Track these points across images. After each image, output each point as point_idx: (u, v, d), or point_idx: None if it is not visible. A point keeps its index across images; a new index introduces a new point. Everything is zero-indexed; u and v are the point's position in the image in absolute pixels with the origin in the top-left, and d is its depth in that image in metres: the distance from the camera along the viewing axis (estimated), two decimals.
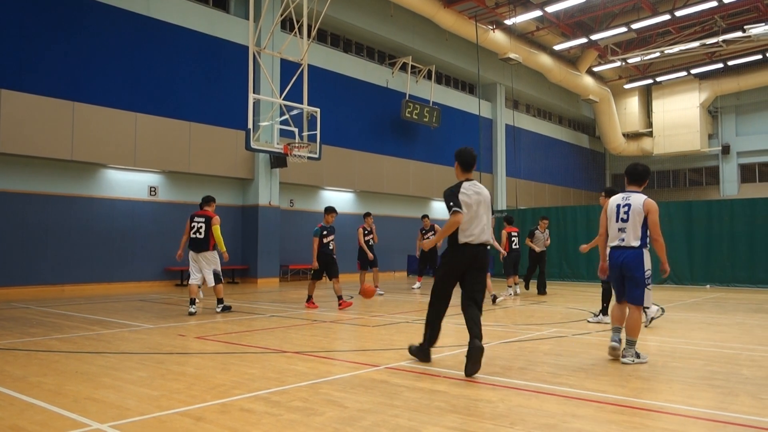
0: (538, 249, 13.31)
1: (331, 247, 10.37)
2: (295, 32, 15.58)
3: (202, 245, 9.56)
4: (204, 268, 9.63)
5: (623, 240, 5.60)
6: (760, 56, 27.18)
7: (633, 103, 33.83)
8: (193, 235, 9.62)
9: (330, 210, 10.63)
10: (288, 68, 16.73)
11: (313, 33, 15.75)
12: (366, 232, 13.21)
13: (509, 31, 23.87)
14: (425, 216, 15.25)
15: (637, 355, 5.55)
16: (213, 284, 9.70)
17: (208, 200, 10.08)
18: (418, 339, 5.86)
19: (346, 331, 7.93)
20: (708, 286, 15.59)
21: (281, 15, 15.60)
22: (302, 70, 15.35)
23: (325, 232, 10.32)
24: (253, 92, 14.59)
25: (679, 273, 16.08)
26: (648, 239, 5.60)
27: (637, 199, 5.59)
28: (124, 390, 4.46)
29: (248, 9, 14.90)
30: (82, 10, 14.25)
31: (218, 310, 9.69)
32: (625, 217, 5.60)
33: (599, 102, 31.24)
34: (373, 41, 22.08)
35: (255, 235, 17.48)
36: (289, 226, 18.82)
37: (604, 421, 3.67)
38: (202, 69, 16.55)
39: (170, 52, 15.88)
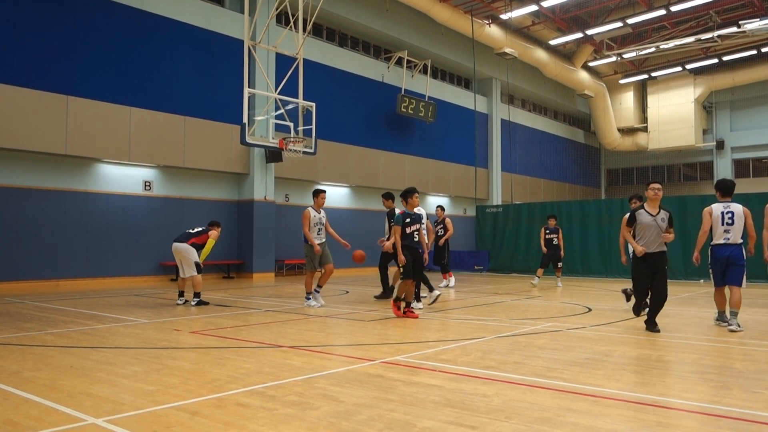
0: (640, 249, 7.11)
1: (416, 239, 8.57)
2: (291, 26, 15.52)
3: (184, 237, 9.97)
4: (183, 260, 9.90)
5: (728, 239, 7.19)
6: (754, 51, 27.23)
7: (628, 98, 33.87)
8: (187, 230, 10.27)
9: (410, 192, 8.65)
10: (283, 62, 16.67)
11: (309, 27, 15.69)
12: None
13: (505, 25, 23.84)
14: (440, 206, 14.60)
15: (738, 325, 7.11)
16: (192, 274, 9.82)
17: (213, 223, 10.43)
18: (414, 334, 5.87)
19: (341, 325, 7.93)
20: (702, 281, 15.65)
21: (276, 9, 15.53)
22: (297, 65, 15.29)
23: (408, 220, 8.50)
24: (248, 86, 14.54)
25: (673, 268, 16.14)
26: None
27: (737, 206, 7.24)
28: (119, 385, 4.46)
29: (243, 3, 14.84)
30: (76, 3, 14.15)
31: (193, 303, 9.82)
32: (730, 221, 7.19)
33: (594, 97, 31.27)
34: (369, 36, 22.02)
35: (250, 230, 17.45)
36: (284, 221, 18.79)
37: (599, 415, 3.69)
38: (196, 63, 16.47)
39: (165, 45, 15.80)
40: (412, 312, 8.38)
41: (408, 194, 8.62)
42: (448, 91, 25.50)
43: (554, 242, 14.25)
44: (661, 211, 7.24)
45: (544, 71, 27.56)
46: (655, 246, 7.11)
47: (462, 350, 5.90)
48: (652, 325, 7.16)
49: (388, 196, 10.84)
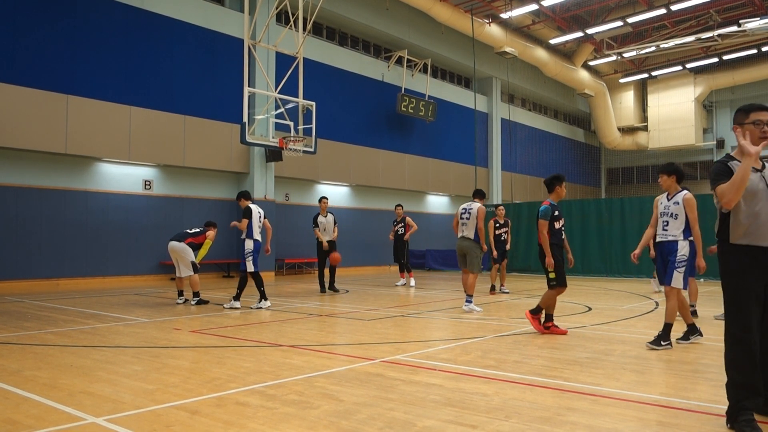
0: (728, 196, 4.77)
1: (563, 237, 7.09)
2: (291, 25, 15.51)
3: (181, 237, 10.09)
4: (179, 259, 10.01)
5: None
6: (755, 51, 27.21)
7: (628, 98, 33.86)
8: (185, 230, 10.41)
9: (559, 179, 7.03)
10: (283, 62, 16.67)
11: (309, 26, 15.68)
12: (497, 225, 12.60)
13: (505, 24, 23.82)
14: (399, 205, 14.69)
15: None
16: (189, 274, 9.96)
17: (209, 224, 10.53)
18: (414, 334, 5.83)
19: (341, 324, 7.94)
20: (702, 279, 15.66)
21: (276, 8, 15.52)
22: (297, 64, 15.28)
23: (556, 213, 6.95)
24: (248, 86, 14.53)
25: None
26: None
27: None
28: (119, 384, 4.46)
29: (243, 2, 14.82)
30: (76, 3, 14.13)
31: (193, 303, 9.83)
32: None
33: (594, 96, 31.25)
34: (369, 35, 22.01)
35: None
36: (284, 220, 18.79)
37: (599, 414, 3.69)
38: (196, 62, 16.46)
39: (165, 44, 15.79)
40: (557, 327, 6.89)
41: (557, 181, 7.01)
42: (448, 90, 25.49)
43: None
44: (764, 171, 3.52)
45: (544, 70, 27.54)
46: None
47: (462, 349, 5.91)
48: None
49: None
